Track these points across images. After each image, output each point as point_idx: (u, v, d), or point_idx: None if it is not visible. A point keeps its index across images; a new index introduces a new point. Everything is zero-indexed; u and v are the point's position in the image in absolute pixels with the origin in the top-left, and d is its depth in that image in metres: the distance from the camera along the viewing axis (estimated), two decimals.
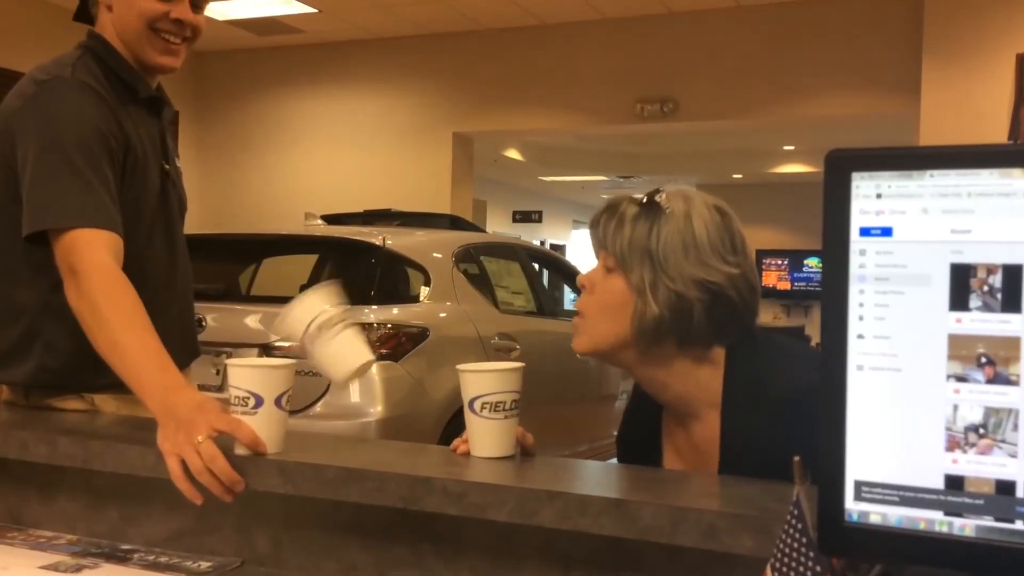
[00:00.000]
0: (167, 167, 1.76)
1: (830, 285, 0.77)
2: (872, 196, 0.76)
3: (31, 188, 1.54)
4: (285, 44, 8.44)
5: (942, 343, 0.73)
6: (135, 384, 1.36)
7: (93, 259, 1.48)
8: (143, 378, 1.35)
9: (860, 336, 0.77)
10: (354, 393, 3.86)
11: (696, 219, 1.32)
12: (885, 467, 0.77)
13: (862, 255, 0.76)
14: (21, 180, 1.56)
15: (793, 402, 1.23)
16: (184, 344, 1.81)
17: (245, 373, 1.23)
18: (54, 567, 1.23)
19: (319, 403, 3.81)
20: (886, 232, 0.76)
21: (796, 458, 0.81)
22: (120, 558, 1.27)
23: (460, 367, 1.25)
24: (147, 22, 1.66)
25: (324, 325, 1.30)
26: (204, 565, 1.24)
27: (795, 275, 14.57)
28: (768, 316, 14.13)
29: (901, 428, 0.76)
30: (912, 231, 0.75)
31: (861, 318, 0.77)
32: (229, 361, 1.25)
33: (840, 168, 0.78)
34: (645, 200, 1.35)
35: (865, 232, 0.76)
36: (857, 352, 0.77)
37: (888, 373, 0.76)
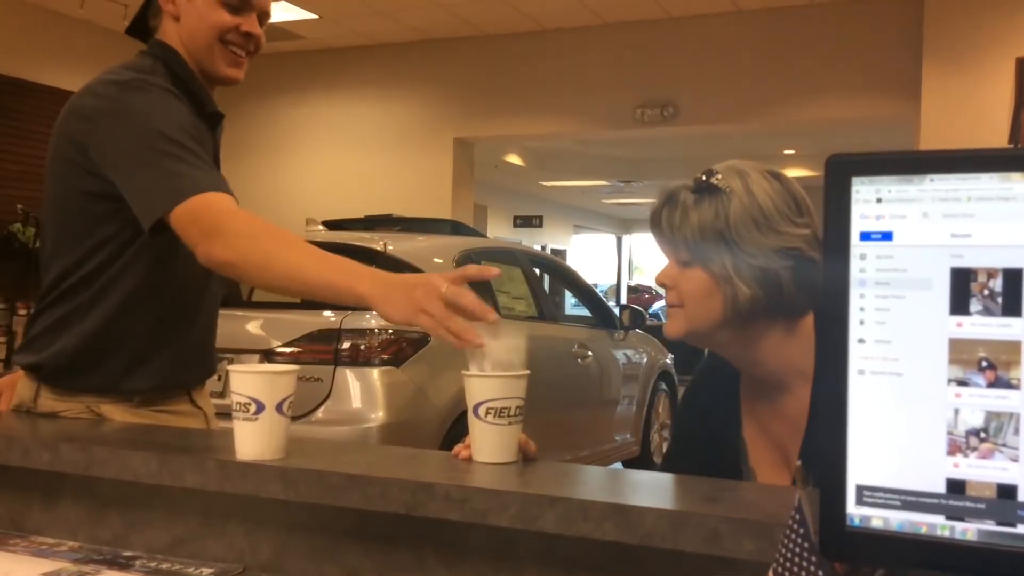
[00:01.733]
0: (218, 157, 1.76)
1: (831, 289, 0.77)
2: (872, 200, 0.76)
3: (138, 180, 1.51)
4: (287, 50, 8.46)
5: (943, 347, 0.73)
6: (342, 282, 1.35)
7: (234, 210, 1.47)
8: (348, 271, 1.35)
9: (861, 340, 0.77)
10: (356, 399, 3.86)
11: (757, 190, 1.30)
12: (886, 471, 0.77)
13: (862, 259, 0.77)
14: (117, 177, 1.53)
15: None
16: (203, 360, 1.81)
17: (246, 379, 1.23)
18: (56, 574, 1.23)
19: (320, 409, 3.81)
20: (886, 236, 0.76)
21: (798, 463, 0.81)
22: (122, 565, 1.27)
23: (466, 372, 1.25)
24: (218, 34, 1.66)
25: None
26: (206, 572, 1.24)
27: None
28: None
29: (902, 432, 0.76)
30: (912, 235, 0.75)
31: (862, 322, 0.77)
32: (230, 367, 1.25)
33: (840, 172, 0.78)
34: (702, 184, 1.33)
35: (865, 236, 0.76)
36: (858, 356, 0.77)
37: (889, 377, 0.76)
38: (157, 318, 1.65)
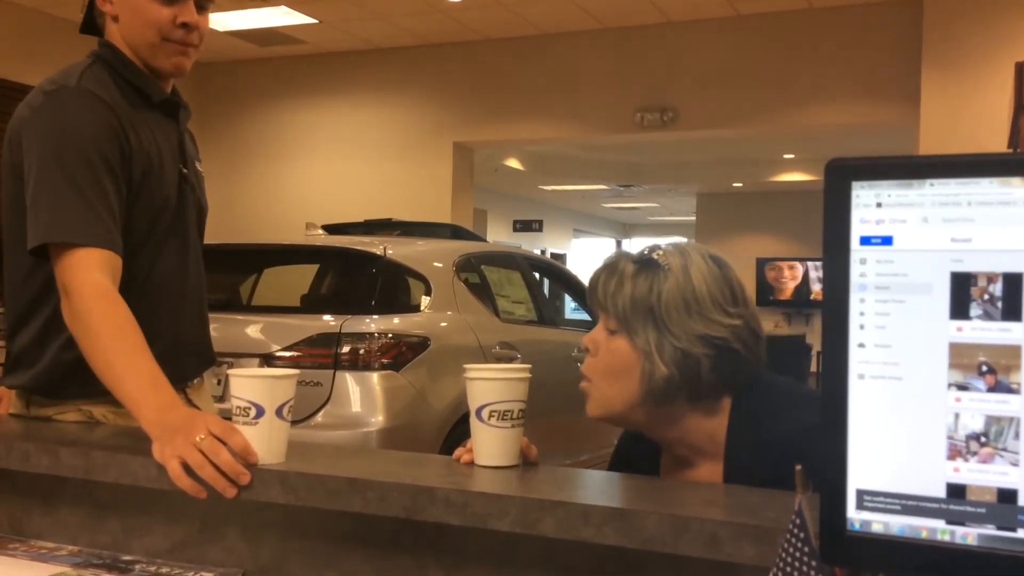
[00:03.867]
0: (185, 171, 1.75)
1: (831, 294, 0.77)
2: (872, 205, 0.76)
3: (33, 202, 1.55)
4: (286, 55, 8.47)
5: (943, 352, 0.73)
6: (130, 404, 1.37)
7: (85, 278, 1.48)
8: (137, 398, 1.36)
9: (861, 345, 0.77)
10: (355, 403, 3.86)
11: (695, 273, 1.32)
12: (887, 476, 0.77)
13: (863, 264, 0.77)
14: (26, 192, 1.56)
15: (794, 445, 1.21)
16: (198, 351, 1.81)
17: (246, 383, 1.23)
18: None
19: (320, 413, 3.81)
20: (886, 241, 0.76)
21: (798, 467, 0.81)
22: (121, 569, 1.27)
23: (468, 374, 1.25)
24: (158, 32, 1.66)
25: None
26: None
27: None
28: (769, 324, 14.13)
29: (903, 437, 0.76)
30: (912, 240, 0.75)
31: (862, 327, 0.77)
32: (230, 371, 1.25)
33: (840, 177, 0.78)
34: (643, 257, 1.35)
35: (865, 241, 0.77)
36: (858, 361, 0.77)
37: (889, 382, 0.76)
38: (136, 316, 1.64)
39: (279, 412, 1.23)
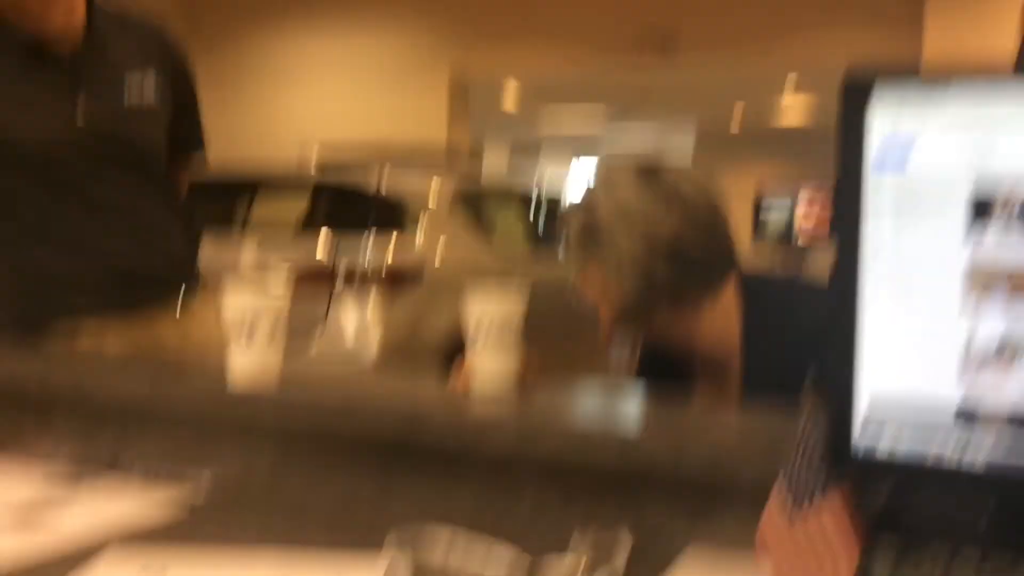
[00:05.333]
0: (75, 107, 1.68)
1: (842, 217, 0.75)
2: (889, 120, 0.73)
3: None
4: None
5: (961, 269, 0.71)
6: None
7: None
8: None
9: (874, 270, 0.75)
10: (350, 333, 3.86)
11: (621, 192, 1.31)
12: (896, 396, 0.76)
13: (877, 186, 0.74)
14: None
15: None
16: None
17: (239, 304, 1.21)
18: (54, 476, 1.21)
19: (314, 341, 3.80)
20: (903, 159, 0.73)
21: (806, 383, 0.79)
22: (120, 469, 1.26)
23: (465, 297, 1.23)
24: None
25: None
26: (205, 475, 1.22)
27: None
28: (764, 263, 14.12)
29: (914, 357, 0.74)
30: (931, 157, 0.72)
31: (876, 252, 0.74)
32: (223, 293, 1.22)
33: (855, 91, 0.74)
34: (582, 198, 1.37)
35: (881, 161, 0.73)
36: (871, 281, 0.75)
37: (903, 301, 0.74)
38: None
39: (272, 333, 1.21)
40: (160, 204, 1.82)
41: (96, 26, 1.71)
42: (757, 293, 1.34)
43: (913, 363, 0.74)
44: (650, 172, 1.33)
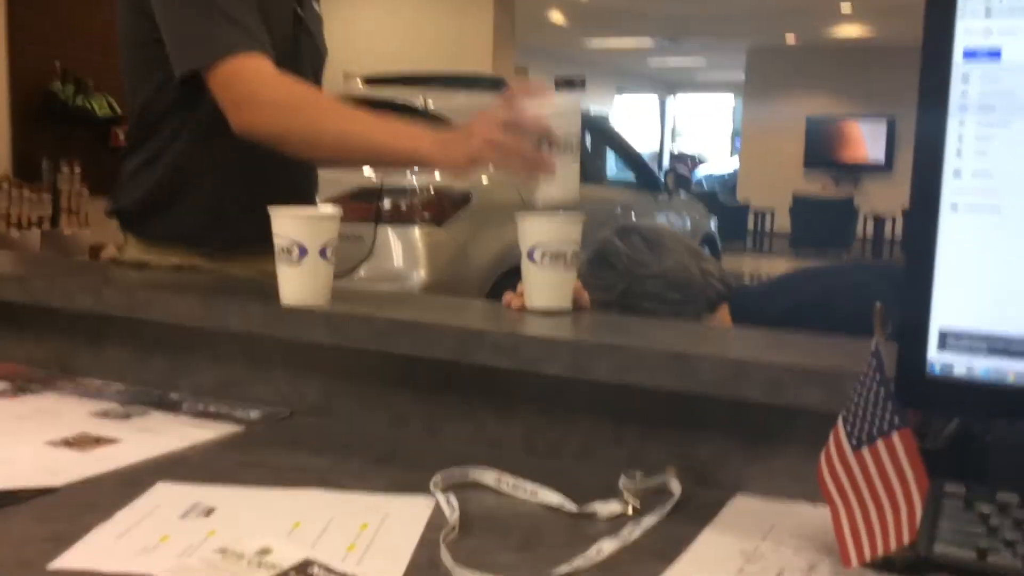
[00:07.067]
0: (300, 12, 1.60)
1: (926, 115, 0.70)
2: (980, 13, 0.68)
3: (172, 27, 1.42)
4: None
5: None
6: (399, 149, 1.34)
7: (262, 77, 1.38)
8: (407, 137, 1.32)
9: (957, 173, 0.70)
10: (397, 258, 3.85)
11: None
12: (974, 315, 0.72)
13: (965, 81, 0.69)
14: (159, 18, 1.43)
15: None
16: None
17: (289, 223, 1.19)
18: (104, 414, 1.23)
19: (361, 268, 3.80)
20: (994, 55, 0.68)
21: (878, 305, 0.76)
22: (169, 406, 1.27)
23: (520, 213, 1.20)
24: None
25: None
26: (253, 414, 1.24)
27: None
28: (816, 186, 13.87)
29: (995, 273, 0.71)
30: None
31: (959, 152, 0.70)
32: (272, 210, 1.20)
33: None
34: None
35: (970, 55, 0.69)
36: (952, 190, 0.71)
37: (986, 214, 0.70)
38: (230, 167, 1.55)
39: (323, 252, 1.20)
40: None
41: None
42: (747, 309, 1.52)
43: (996, 276, 0.71)
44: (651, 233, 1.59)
